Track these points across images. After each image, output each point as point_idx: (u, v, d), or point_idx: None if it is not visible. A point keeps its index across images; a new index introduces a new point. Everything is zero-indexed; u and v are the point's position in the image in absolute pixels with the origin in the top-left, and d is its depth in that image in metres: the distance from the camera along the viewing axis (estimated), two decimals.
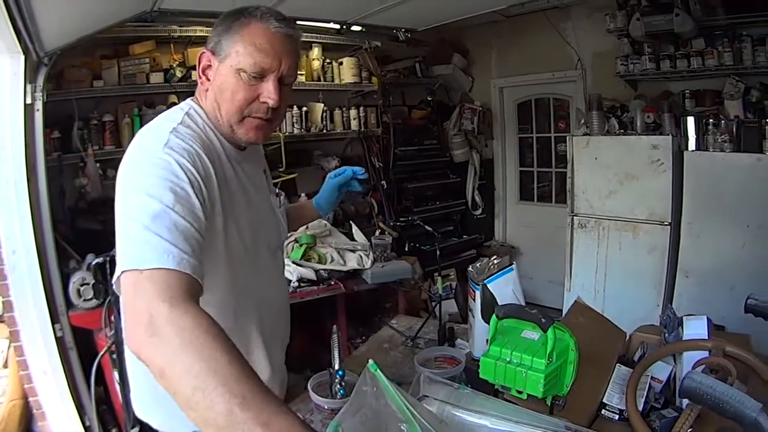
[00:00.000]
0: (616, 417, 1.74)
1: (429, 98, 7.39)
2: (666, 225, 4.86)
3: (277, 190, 2.12)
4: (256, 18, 1.64)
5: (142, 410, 1.87)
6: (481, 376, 1.67)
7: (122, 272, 1.29)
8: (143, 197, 1.38)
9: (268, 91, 1.65)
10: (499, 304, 2.04)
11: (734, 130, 4.61)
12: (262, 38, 1.63)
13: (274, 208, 2.01)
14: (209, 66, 1.71)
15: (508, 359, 1.62)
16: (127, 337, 1.24)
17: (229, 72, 1.65)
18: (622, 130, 5.31)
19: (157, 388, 1.17)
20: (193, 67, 4.72)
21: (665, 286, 4.89)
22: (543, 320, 1.60)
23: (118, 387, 3.73)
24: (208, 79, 1.72)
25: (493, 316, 1.72)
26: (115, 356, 3.69)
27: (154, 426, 1.82)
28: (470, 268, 2.26)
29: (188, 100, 1.79)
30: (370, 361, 1.37)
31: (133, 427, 3.52)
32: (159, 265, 1.26)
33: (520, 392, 1.61)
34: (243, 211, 1.75)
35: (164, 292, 1.22)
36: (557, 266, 5.83)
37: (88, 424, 3.89)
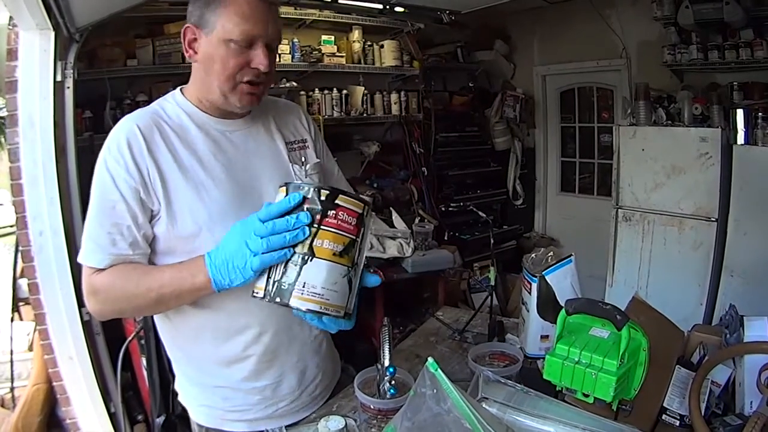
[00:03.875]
0: (677, 423, 1.61)
1: (470, 84, 7.32)
2: (712, 221, 4.71)
3: (304, 159, 2.01)
4: None
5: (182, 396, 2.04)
6: (545, 377, 1.52)
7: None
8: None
9: (259, 58, 1.70)
10: (557, 297, 1.93)
11: None
12: (247, 7, 1.67)
13: (289, 173, 1.94)
14: (194, 39, 1.75)
15: (576, 359, 1.47)
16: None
17: (218, 43, 1.69)
18: (669, 121, 5.16)
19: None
20: None
21: (709, 284, 4.73)
22: (618, 317, 1.46)
23: (145, 373, 3.68)
24: (196, 52, 1.76)
25: (562, 311, 1.57)
26: (143, 342, 3.64)
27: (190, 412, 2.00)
28: (524, 259, 2.14)
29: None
30: (430, 360, 1.24)
31: (159, 416, 3.48)
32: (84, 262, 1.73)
33: (586, 395, 1.47)
34: (206, 177, 1.77)
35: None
36: (598, 260, 5.63)
37: (113, 410, 3.86)
